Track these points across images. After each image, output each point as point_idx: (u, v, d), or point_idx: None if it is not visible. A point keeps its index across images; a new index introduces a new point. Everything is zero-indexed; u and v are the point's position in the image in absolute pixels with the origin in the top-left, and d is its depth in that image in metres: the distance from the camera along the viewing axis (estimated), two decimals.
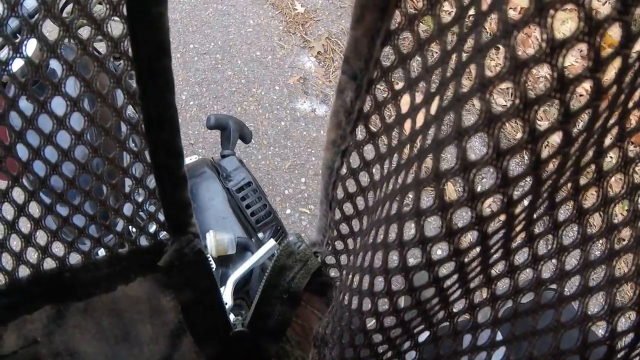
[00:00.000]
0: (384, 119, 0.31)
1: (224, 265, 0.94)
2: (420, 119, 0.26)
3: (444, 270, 0.27)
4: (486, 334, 0.31)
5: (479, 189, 0.21)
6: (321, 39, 2.34)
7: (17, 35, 0.85)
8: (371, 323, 0.34)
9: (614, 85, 0.21)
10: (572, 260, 0.28)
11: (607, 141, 0.26)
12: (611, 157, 0.26)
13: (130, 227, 0.43)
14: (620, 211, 0.27)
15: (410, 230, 0.25)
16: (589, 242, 0.27)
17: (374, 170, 0.34)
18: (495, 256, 0.28)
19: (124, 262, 0.43)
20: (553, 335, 0.27)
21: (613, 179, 0.27)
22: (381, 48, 0.28)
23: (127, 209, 0.42)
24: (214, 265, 0.83)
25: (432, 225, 0.28)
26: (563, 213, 0.28)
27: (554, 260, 0.29)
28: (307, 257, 0.43)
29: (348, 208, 0.39)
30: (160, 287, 0.45)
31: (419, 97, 0.27)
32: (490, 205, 1.37)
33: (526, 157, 0.21)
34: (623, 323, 0.25)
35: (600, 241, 0.27)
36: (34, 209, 0.40)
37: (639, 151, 0.25)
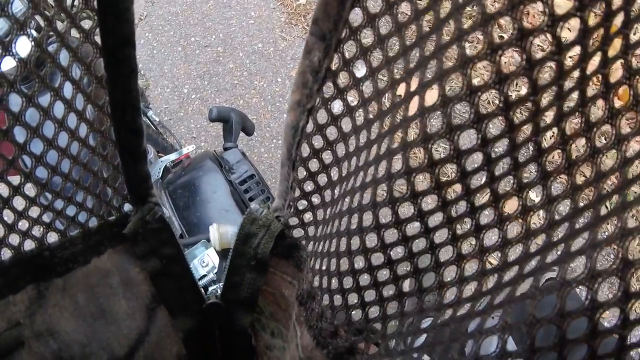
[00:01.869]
0: (354, 74, 0.33)
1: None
2: (397, 71, 0.29)
3: (427, 204, 0.30)
4: (470, 288, 0.31)
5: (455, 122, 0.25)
6: None
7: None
8: (360, 263, 0.37)
9: (576, 44, 0.22)
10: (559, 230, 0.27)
11: (591, 92, 0.26)
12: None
13: (99, 202, 0.46)
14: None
15: (397, 165, 0.29)
16: (576, 214, 0.27)
17: (342, 123, 0.36)
18: (481, 200, 0.29)
19: (95, 237, 0.46)
20: (530, 302, 0.27)
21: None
22: (350, 9, 0.29)
23: (96, 186, 0.46)
24: (216, 259, 0.82)
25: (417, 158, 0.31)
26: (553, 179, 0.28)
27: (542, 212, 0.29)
28: (270, 221, 0.45)
29: (314, 164, 0.41)
30: (129, 258, 0.48)
31: (391, 52, 0.29)
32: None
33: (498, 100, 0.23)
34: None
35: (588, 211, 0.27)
36: (19, 200, 0.41)
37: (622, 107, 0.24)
